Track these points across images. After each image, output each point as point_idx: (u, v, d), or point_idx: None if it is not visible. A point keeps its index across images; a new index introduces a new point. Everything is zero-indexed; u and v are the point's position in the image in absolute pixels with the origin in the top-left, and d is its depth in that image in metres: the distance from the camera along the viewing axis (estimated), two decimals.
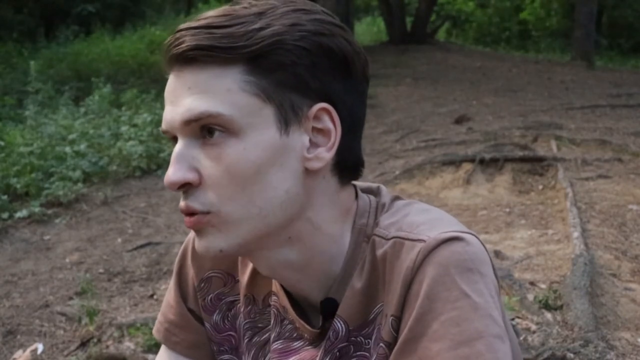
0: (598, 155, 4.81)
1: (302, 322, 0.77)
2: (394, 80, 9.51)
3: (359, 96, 0.74)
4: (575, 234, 3.12)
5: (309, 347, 0.78)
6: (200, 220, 0.69)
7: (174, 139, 0.71)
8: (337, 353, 0.74)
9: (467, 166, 4.66)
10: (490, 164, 4.65)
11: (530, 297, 2.54)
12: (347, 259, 0.74)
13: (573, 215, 3.44)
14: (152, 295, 3.13)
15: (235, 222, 0.69)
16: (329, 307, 0.75)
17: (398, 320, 0.68)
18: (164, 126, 0.71)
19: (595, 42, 12.71)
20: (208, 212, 0.69)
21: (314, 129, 0.70)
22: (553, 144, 5.18)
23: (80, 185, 4.88)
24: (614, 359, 2.06)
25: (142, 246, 3.83)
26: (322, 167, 0.71)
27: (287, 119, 0.68)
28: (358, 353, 0.74)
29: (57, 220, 4.40)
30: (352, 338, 0.74)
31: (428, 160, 4.93)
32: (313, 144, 0.70)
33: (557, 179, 4.28)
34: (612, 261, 2.89)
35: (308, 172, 0.70)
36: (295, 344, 0.79)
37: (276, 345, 0.80)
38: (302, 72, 0.68)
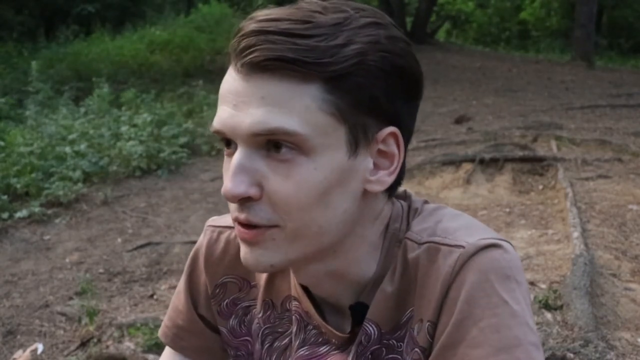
0: (598, 155, 4.81)
1: (329, 327, 0.76)
2: None
3: (415, 116, 0.73)
4: (575, 234, 3.12)
5: (336, 351, 0.77)
6: (262, 233, 0.67)
7: (225, 141, 0.68)
8: (370, 356, 0.74)
9: (467, 166, 4.66)
10: (490, 164, 4.65)
11: (530, 297, 2.54)
12: (379, 263, 0.74)
13: (573, 215, 3.44)
14: (152, 295, 3.13)
15: (294, 240, 0.67)
16: (360, 311, 0.74)
17: (434, 325, 0.68)
18: (219, 126, 0.67)
19: (595, 42, 12.71)
20: (273, 226, 0.67)
21: (378, 151, 0.69)
22: (553, 144, 5.18)
23: (80, 185, 4.88)
24: (614, 359, 2.06)
25: (142, 246, 3.83)
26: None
27: (357, 141, 0.66)
28: (390, 356, 0.73)
29: (57, 220, 4.40)
30: (385, 341, 0.74)
31: (428, 160, 4.92)
32: (375, 166, 0.69)
33: (557, 179, 4.28)
34: (612, 261, 2.89)
35: (366, 193, 0.70)
36: (321, 349, 0.78)
37: (302, 352, 0.79)
38: (378, 94, 0.66)
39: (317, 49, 0.62)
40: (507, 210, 3.90)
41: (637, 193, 3.90)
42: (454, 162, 4.76)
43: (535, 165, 4.63)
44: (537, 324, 2.33)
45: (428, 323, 0.68)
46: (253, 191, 0.65)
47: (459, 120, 6.56)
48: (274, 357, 0.83)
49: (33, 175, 4.90)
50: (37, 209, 4.41)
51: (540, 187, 4.37)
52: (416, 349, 0.70)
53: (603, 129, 5.76)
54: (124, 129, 6.02)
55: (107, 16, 15.01)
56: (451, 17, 18.12)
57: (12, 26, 13.93)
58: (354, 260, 0.73)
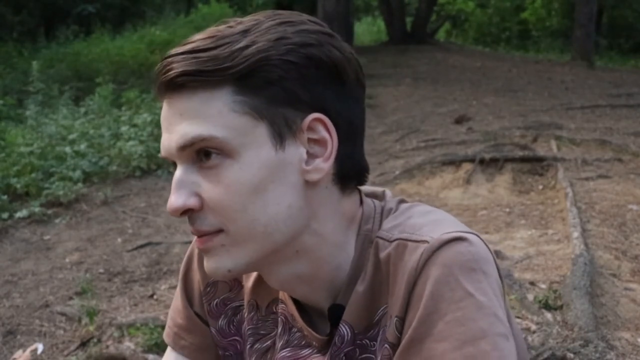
0: (598, 155, 4.81)
1: (309, 329, 0.77)
2: (394, 80, 9.51)
3: (355, 102, 0.73)
4: (575, 234, 3.12)
5: (317, 354, 0.77)
6: (210, 239, 0.69)
7: (175, 165, 0.71)
8: (344, 357, 0.74)
9: (467, 166, 4.66)
10: (490, 164, 4.65)
11: (530, 297, 2.54)
12: (353, 265, 0.74)
13: (573, 215, 3.44)
14: (152, 295, 3.13)
15: (241, 242, 0.69)
16: (336, 314, 0.75)
17: (402, 321, 0.68)
18: (162, 153, 0.71)
19: (595, 42, 12.71)
20: (219, 231, 0.69)
21: (310, 140, 0.69)
22: (553, 144, 5.18)
23: (80, 185, 4.88)
24: (614, 359, 2.06)
25: (142, 246, 3.83)
26: (323, 178, 0.70)
27: (282, 133, 0.68)
28: (364, 356, 0.74)
29: (57, 220, 4.40)
30: (358, 341, 0.74)
31: (428, 160, 4.93)
32: (311, 156, 0.70)
33: (557, 179, 4.28)
34: (612, 261, 2.89)
35: (309, 184, 0.70)
36: (303, 351, 0.79)
37: (284, 353, 0.80)
38: (291, 85, 0.67)
39: (217, 57, 0.66)
40: (507, 210, 3.90)
41: (637, 193, 3.90)
42: (454, 162, 4.77)
43: (535, 165, 4.63)
44: (537, 324, 2.33)
45: (396, 318, 0.69)
46: (192, 202, 0.68)
47: (459, 120, 6.56)
48: (254, 358, 0.83)
49: (33, 175, 4.90)
50: (37, 209, 4.41)
51: (540, 187, 4.37)
52: (386, 345, 0.70)
53: (603, 129, 5.76)
54: (124, 129, 6.02)
55: (107, 16, 15.03)
56: (451, 17, 18.12)
57: (12, 26, 13.95)
58: (321, 261, 0.73)
